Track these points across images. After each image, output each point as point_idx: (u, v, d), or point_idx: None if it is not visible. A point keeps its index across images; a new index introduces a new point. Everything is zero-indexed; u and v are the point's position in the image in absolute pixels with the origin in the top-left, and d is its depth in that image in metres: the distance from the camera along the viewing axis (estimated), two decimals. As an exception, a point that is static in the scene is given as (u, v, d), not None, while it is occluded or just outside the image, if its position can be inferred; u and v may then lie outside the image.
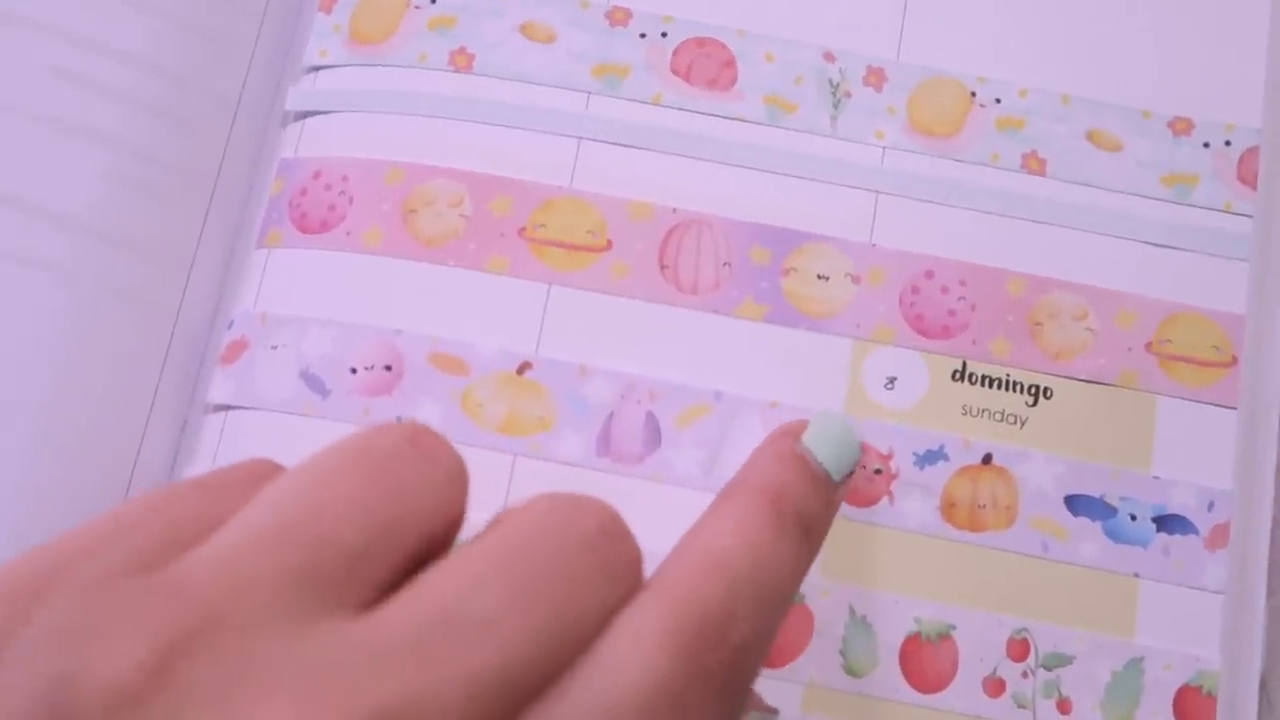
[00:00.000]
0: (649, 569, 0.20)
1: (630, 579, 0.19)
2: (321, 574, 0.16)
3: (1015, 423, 0.30)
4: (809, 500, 0.24)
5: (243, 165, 0.33)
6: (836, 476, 0.25)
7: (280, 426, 0.30)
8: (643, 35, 0.32)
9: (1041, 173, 0.32)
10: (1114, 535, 0.29)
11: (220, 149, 0.32)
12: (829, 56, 0.32)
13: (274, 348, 0.30)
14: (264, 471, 0.20)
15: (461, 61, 0.32)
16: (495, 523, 0.19)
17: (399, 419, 0.30)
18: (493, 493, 0.29)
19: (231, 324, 0.31)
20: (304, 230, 0.31)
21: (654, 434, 0.30)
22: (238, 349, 0.31)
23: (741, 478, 0.24)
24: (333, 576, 0.16)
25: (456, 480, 0.19)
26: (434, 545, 0.18)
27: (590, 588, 0.18)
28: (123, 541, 0.17)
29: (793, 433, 0.26)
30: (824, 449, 0.25)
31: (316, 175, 0.32)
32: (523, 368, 0.30)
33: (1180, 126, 0.32)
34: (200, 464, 0.30)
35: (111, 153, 0.30)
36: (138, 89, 0.31)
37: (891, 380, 0.30)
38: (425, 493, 0.18)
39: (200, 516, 0.18)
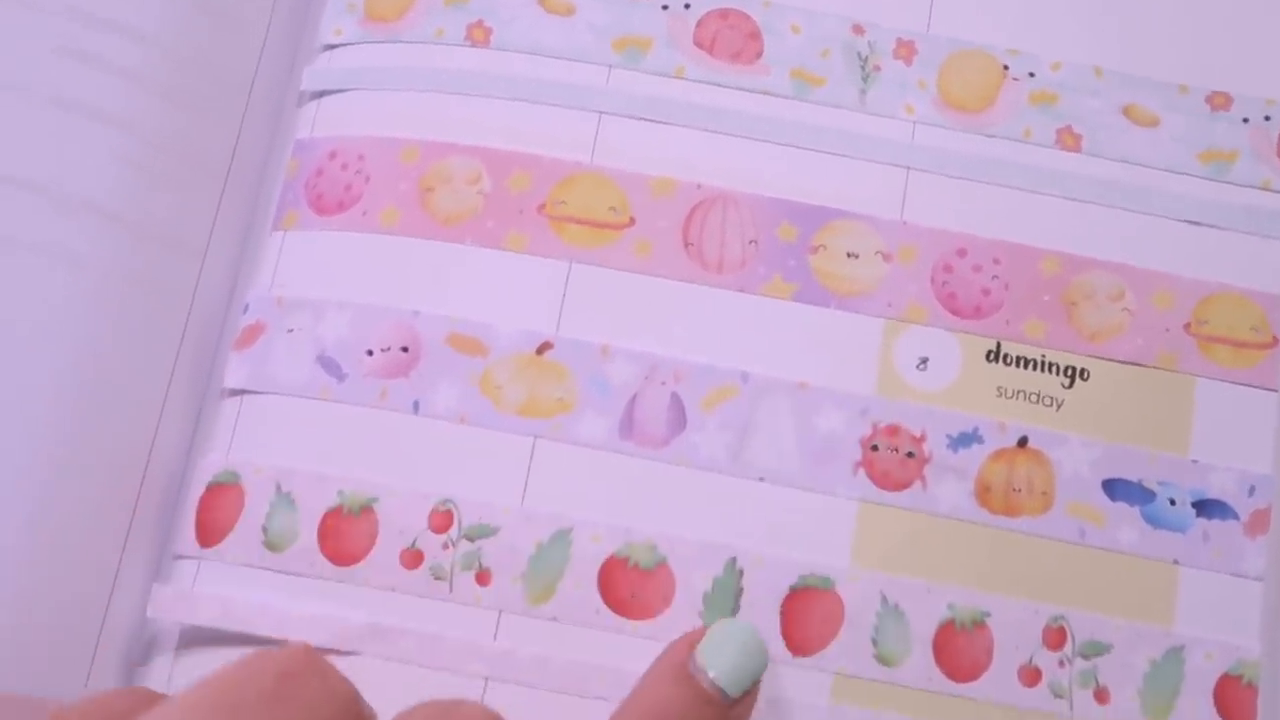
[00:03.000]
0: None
1: None
2: None
3: (1051, 405, 0.29)
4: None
5: (257, 147, 0.32)
6: (733, 692, 0.24)
7: (296, 410, 0.29)
8: (665, 7, 0.31)
9: (1076, 149, 0.31)
10: (1153, 521, 0.29)
11: (234, 130, 0.31)
12: (857, 29, 0.31)
13: (290, 331, 0.30)
14: (129, 705, 0.19)
15: (479, 36, 0.31)
16: None
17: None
18: (513, 477, 0.28)
19: (247, 308, 0.30)
20: (320, 211, 0.31)
21: (679, 416, 0.29)
22: (253, 333, 0.30)
23: (631, 696, 0.24)
24: None
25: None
26: None
27: None
28: None
29: (690, 642, 0.25)
30: (719, 663, 0.24)
31: (333, 155, 0.31)
32: (543, 348, 0.29)
33: (1218, 101, 0.31)
34: (217, 450, 0.30)
35: (121, 135, 0.29)
36: (148, 69, 0.30)
37: (924, 361, 0.29)
38: None
39: None
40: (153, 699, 0.20)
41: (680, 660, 0.24)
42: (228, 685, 0.18)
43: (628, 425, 0.29)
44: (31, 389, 0.27)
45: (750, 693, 0.25)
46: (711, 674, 0.24)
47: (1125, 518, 0.29)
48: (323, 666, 0.19)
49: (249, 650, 0.28)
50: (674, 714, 0.23)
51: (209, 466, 0.29)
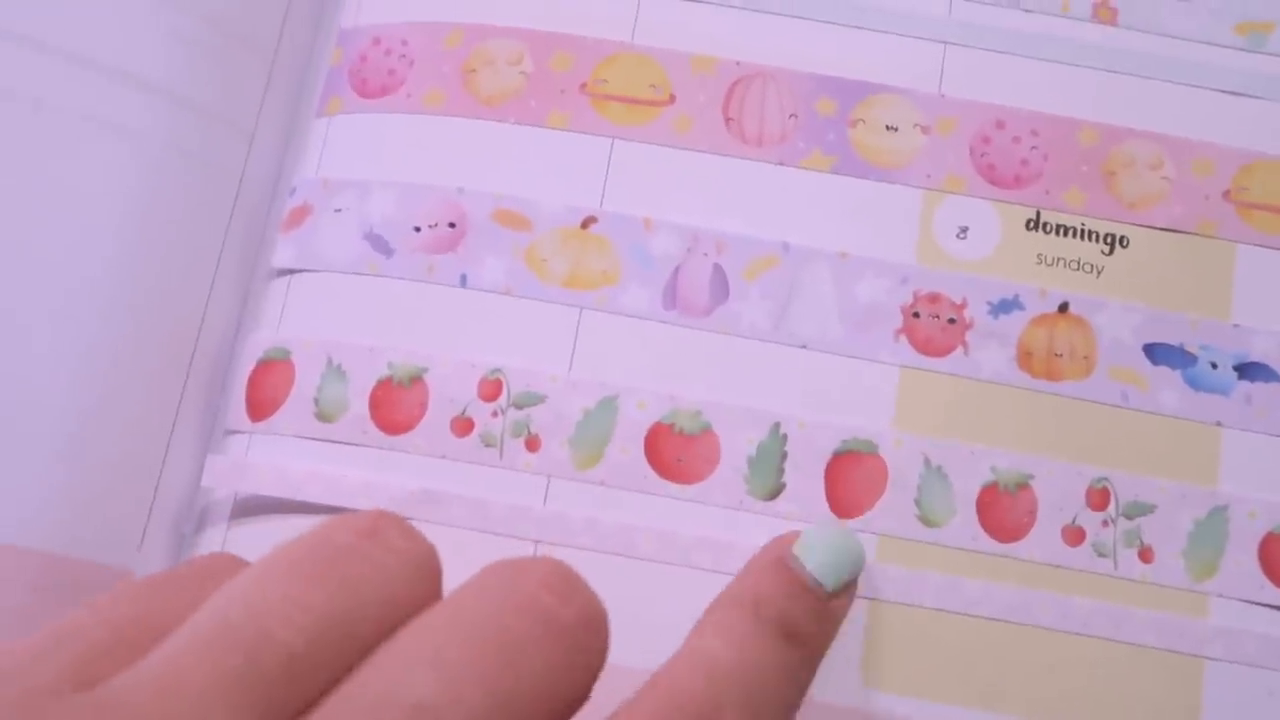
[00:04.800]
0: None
1: (586, 633, 0.18)
2: (260, 677, 0.16)
3: (1091, 271, 0.29)
4: (792, 608, 0.23)
5: (303, 32, 0.33)
6: (831, 585, 0.25)
7: (345, 287, 0.30)
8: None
9: (1113, 22, 0.31)
10: (1195, 384, 0.29)
11: (281, 14, 0.32)
12: (893, -92, 0.31)
13: (337, 211, 0.30)
14: (220, 567, 0.20)
15: (519, -77, 0.32)
16: (433, 607, 0.19)
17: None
18: (560, 347, 0.29)
19: (294, 190, 0.31)
20: (364, 95, 0.31)
21: (721, 286, 0.29)
22: (301, 214, 0.31)
23: (727, 588, 0.24)
24: (272, 679, 0.16)
25: (421, 571, 0.19)
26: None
27: (531, 653, 0.17)
28: (63, 650, 0.17)
29: (789, 539, 0.26)
30: (815, 557, 0.25)
31: (376, 42, 0.32)
32: (587, 222, 0.30)
33: (1254, -24, 0.31)
34: (266, 327, 0.30)
35: (174, 12, 0.30)
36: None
37: (964, 230, 0.30)
38: (379, 588, 0.18)
39: (146, 618, 0.18)
40: (239, 564, 0.20)
41: (779, 554, 0.25)
42: (315, 544, 0.18)
43: (671, 295, 0.29)
44: (86, 260, 0.28)
45: (848, 589, 0.25)
46: (809, 566, 0.25)
47: (1167, 381, 0.29)
48: (405, 524, 0.19)
49: (303, 520, 0.28)
50: (774, 599, 0.23)
51: (259, 343, 0.30)
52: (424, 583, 0.19)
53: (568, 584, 0.19)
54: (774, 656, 0.22)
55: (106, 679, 0.16)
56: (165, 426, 0.29)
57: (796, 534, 0.26)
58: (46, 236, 0.28)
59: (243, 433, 0.29)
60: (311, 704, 0.17)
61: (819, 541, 0.25)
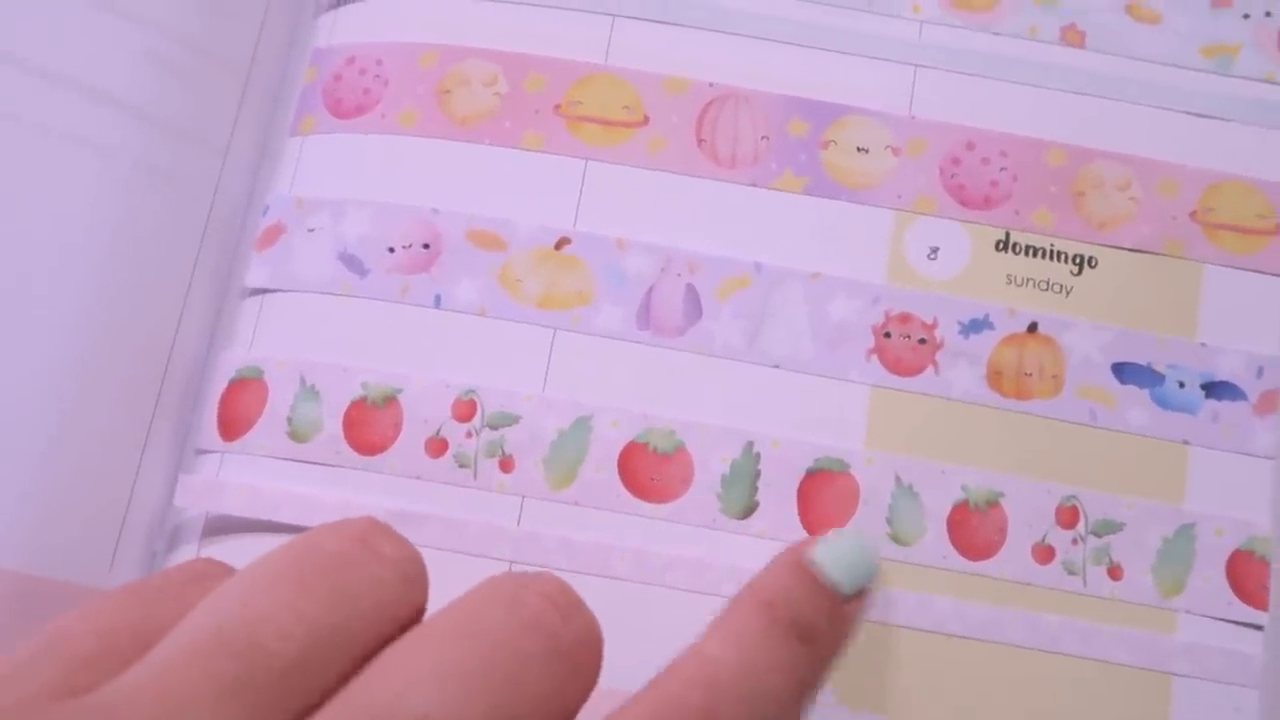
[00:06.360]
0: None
1: (585, 653, 0.19)
2: (253, 686, 0.16)
3: (1060, 292, 0.30)
4: (808, 608, 0.23)
5: (276, 51, 0.33)
6: (846, 588, 0.25)
7: (318, 307, 0.30)
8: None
9: (1080, 45, 0.31)
10: (1162, 402, 0.29)
11: (255, 32, 0.32)
12: (864, -69, 0.32)
13: (311, 230, 0.30)
14: (204, 572, 0.20)
15: (494, -55, 0.32)
16: (436, 614, 0.19)
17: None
18: (534, 367, 0.29)
19: (267, 209, 0.31)
20: (339, 115, 0.31)
21: (694, 306, 0.29)
22: (274, 234, 0.31)
23: (746, 587, 0.25)
24: (265, 687, 0.16)
25: (411, 578, 0.19)
26: (388, 643, 0.18)
27: (536, 670, 0.18)
28: (53, 658, 0.17)
29: (806, 545, 0.26)
30: (834, 563, 0.25)
31: (350, 61, 0.32)
32: (561, 243, 0.30)
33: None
34: (239, 346, 0.30)
35: (148, 32, 0.30)
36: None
37: (934, 250, 0.30)
38: (371, 595, 0.18)
39: (134, 626, 0.18)
40: (224, 569, 0.20)
41: (798, 557, 0.25)
42: (306, 550, 0.18)
43: (644, 315, 0.29)
44: (58, 277, 0.28)
45: (863, 594, 0.25)
46: (828, 570, 0.25)
47: (1135, 400, 0.29)
48: (393, 531, 0.19)
49: (275, 539, 0.28)
50: (791, 600, 0.23)
51: (231, 361, 0.30)
52: (414, 590, 0.19)
53: (570, 603, 0.19)
54: (783, 657, 0.22)
55: (96, 687, 0.16)
56: (137, 445, 0.29)
57: (816, 540, 0.26)
58: (18, 253, 0.28)
59: (215, 452, 0.29)
60: (307, 711, 0.17)
61: (838, 547, 0.25)
